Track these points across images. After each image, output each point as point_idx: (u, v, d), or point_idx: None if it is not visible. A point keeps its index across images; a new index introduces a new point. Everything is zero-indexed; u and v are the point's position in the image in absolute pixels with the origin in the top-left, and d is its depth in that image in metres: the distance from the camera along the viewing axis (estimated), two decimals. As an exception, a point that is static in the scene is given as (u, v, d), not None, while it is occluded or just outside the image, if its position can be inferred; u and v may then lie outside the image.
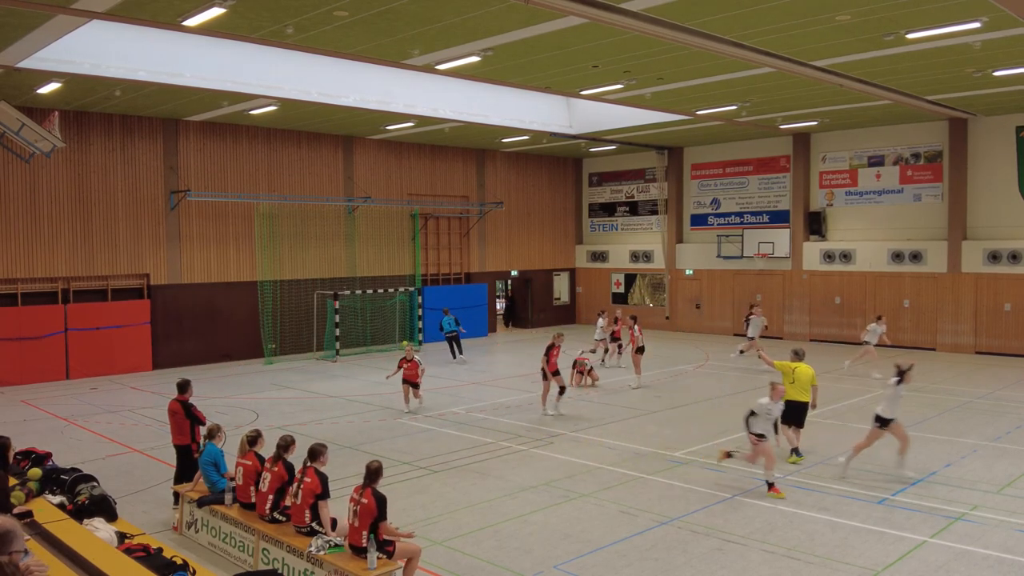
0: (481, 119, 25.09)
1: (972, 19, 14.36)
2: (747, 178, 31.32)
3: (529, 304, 35.18)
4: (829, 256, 28.71)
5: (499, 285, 36.06)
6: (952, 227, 25.89)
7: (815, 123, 26.84)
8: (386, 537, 7.86)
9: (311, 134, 27.03)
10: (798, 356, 13.63)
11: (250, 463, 9.34)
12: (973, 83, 20.16)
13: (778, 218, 30.29)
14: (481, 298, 31.70)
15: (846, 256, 28.25)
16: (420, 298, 29.01)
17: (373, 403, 18.43)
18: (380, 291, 27.95)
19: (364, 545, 7.68)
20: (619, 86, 20.35)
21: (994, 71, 18.68)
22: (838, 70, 18.50)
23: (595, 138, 29.41)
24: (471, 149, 32.02)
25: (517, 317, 35.70)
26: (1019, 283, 24.54)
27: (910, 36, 15.42)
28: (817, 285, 28.99)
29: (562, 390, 16.82)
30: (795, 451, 13.03)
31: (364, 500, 7.79)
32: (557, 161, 35.70)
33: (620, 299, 35.20)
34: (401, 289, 28.65)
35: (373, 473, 7.98)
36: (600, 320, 24.79)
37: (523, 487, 11.89)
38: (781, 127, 27.69)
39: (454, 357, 24.91)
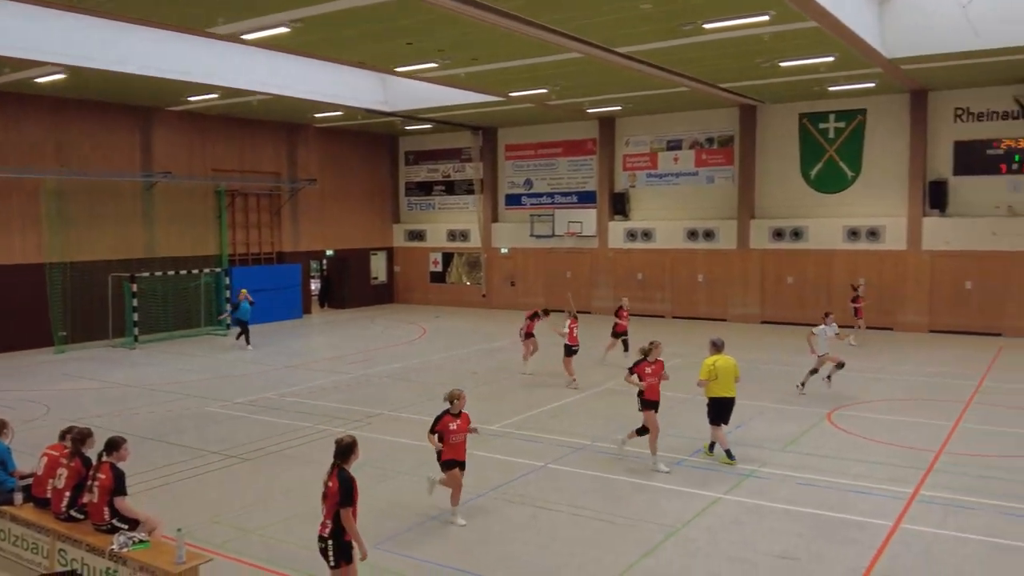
0: (291, 92, 24.26)
1: (762, 12, 15.51)
2: (557, 160, 32.30)
3: (346, 284, 34.59)
4: (632, 234, 30.24)
5: (314, 265, 35.19)
6: (742, 207, 27.98)
7: (619, 108, 28.07)
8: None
9: (105, 104, 25.04)
10: (717, 348, 12.08)
11: (56, 454, 8.64)
12: (762, 72, 21.78)
13: (586, 198, 31.49)
14: (294, 279, 30.75)
15: (647, 234, 29.86)
16: (228, 279, 27.68)
17: (179, 391, 17.52)
18: (183, 272, 26.45)
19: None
20: (433, 64, 20.32)
21: (780, 61, 20.26)
22: (641, 57, 19.41)
23: (411, 116, 29.25)
24: (282, 124, 30.90)
25: (333, 297, 35.04)
26: (799, 258, 26.97)
27: (707, 26, 16.43)
28: (621, 262, 30.47)
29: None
30: (728, 452, 11.86)
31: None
32: (372, 138, 35.18)
33: (438, 278, 35.38)
34: (207, 270, 27.27)
35: (342, 450, 7.28)
36: (826, 327, 16.61)
37: (341, 469, 11.74)
38: (588, 111, 28.74)
39: (248, 343, 23.53)
